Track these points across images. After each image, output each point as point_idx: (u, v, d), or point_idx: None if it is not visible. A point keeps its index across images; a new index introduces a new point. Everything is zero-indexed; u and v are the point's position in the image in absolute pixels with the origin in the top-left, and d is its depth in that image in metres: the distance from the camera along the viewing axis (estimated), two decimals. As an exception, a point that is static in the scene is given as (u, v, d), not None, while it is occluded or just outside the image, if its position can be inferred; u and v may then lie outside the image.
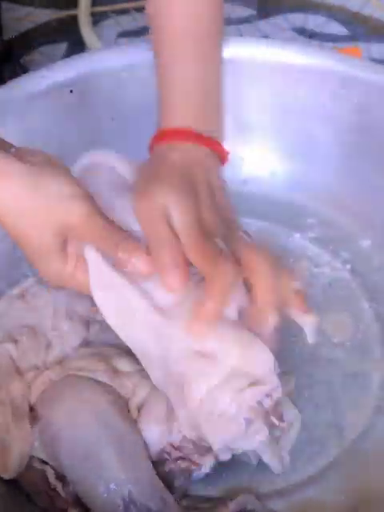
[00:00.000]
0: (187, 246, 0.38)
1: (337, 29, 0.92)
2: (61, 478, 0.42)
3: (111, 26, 0.92)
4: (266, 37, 0.89)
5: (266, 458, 0.43)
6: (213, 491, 0.44)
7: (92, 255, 0.39)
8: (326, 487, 0.44)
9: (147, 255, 0.38)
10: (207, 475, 0.43)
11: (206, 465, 0.42)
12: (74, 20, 0.87)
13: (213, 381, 0.37)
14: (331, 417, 0.48)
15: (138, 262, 0.38)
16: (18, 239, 0.38)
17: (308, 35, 0.91)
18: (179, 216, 0.39)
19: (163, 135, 0.46)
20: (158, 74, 0.50)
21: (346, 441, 0.47)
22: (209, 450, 0.41)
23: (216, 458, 0.42)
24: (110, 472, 0.39)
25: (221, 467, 0.43)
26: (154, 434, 0.41)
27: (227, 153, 0.48)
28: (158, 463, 0.41)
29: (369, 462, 0.46)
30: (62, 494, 0.41)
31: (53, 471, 0.42)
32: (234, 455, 0.42)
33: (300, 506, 0.44)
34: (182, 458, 0.41)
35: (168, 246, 0.38)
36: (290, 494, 0.44)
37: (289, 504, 0.44)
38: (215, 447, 0.39)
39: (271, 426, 0.40)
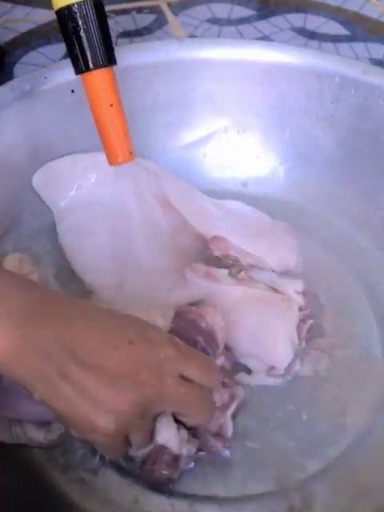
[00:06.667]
0: None
1: (336, 29, 0.92)
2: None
3: (111, 26, 0.92)
4: (265, 37, 0.89)
5: None
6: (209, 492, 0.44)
7: None
8: (326, 487, 0.45)
9: None
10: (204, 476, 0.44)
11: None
12: (73, 20, 0.87)
13: None
14: (331, 416, 0.48)
15: None
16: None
17: (308, 35, 0.90)
18: None
19: None
20: None
21: (346, 441, 0.47)
22: None
23: None
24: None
25: (214, 469, 0.44)
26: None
27: None
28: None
29: (369, 462, 0.46)
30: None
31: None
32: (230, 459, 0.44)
33: (300, 505, 0.44)
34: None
35: None
36: (291, 493, 0.44)
37: (289, 503, 0.44)
38: None
39: None
